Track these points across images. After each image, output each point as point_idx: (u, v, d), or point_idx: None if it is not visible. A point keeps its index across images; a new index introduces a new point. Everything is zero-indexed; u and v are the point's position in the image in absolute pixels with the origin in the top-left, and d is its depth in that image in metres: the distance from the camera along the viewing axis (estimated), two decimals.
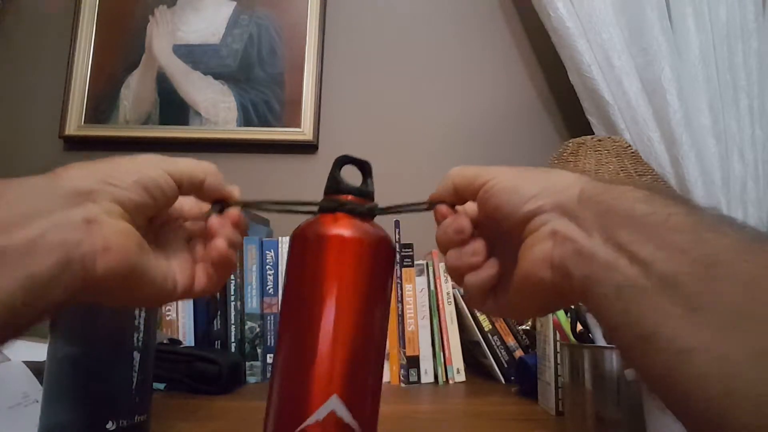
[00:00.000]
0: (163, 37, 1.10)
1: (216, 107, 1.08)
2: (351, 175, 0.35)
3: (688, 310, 0.20)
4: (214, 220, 0.32)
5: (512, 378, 0.75)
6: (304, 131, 1.06)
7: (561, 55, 0.97)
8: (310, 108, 1.07)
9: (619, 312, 0.22)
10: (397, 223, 0.82)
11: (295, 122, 1.06)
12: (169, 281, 0.29)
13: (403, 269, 0.81)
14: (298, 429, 0.28)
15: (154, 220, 0.31)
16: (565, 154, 0.83)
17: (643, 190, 0.25)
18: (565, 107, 1.08)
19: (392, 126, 1.09)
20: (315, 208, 0.34)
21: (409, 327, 0.79)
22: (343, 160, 0.35)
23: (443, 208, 0.33)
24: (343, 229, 0.32)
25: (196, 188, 0.31)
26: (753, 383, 0.18)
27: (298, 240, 0.33)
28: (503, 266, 0.31)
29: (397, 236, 0.82)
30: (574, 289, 0.25)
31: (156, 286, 0.28)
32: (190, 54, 1.09)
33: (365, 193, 0.35)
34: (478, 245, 0.31)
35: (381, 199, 0.35)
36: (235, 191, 0.33)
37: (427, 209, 0.34)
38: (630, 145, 0.83)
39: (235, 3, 1.12)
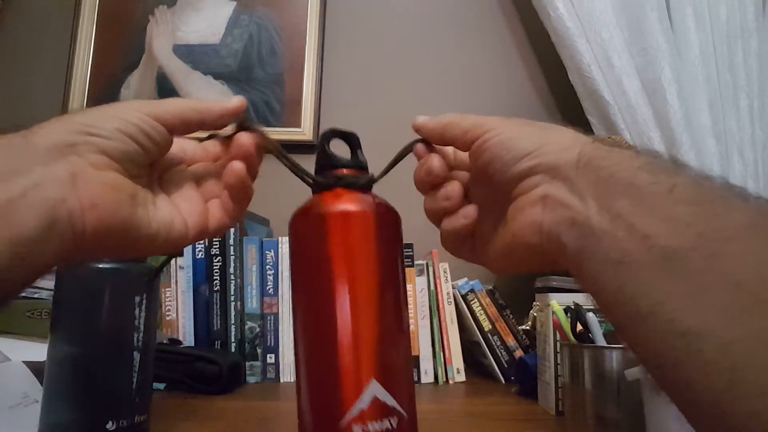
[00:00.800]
0: (163, 37, 1.10)
1: None
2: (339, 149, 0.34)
3: (691, 290, 0.18)
4: (243, 136, 0.29)
5: (512, 378, 0.75)
6: (304, 131, 1.06)
7: (561, 55, 0.97)
8: (310, 108, 1.07)
9: (614, 287, 0.21)
10: None
11: (295, 122, 1.06)
12: (176, 227, 0.27)
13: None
14: (343, 422, 0.27)
15: (156, 165, 0.29)
16: None
17: (646, 156, 0.23)
18: (565, 107, 1.07)
19: (392, 126, 1.08)
20: (313, 181, 0.32)
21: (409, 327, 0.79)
22: (330, 135, 0.34)
23: (420, 147, 0.32)
24: (346, 204, 0.30)
25: (194, 128, 0.28)
26: (765, 372, 0.16)
27: (300, 222, 0.31)
28: (486, 217, 0.30)
29: None
30: (566, 259, 0.23)
31: (160, 236, 0.26)
32: (190, 54, 1.09)
33: (359, 164, 0.33)
34: (451, 189, 0.30)
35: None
36: (235, 103, 0.30)
37: (410, 147, 0.33)
38: (630, 145, 0.83)
39: (235, 3, 1.12)
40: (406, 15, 1.13)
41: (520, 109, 1.09)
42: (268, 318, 0.78)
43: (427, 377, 0.78)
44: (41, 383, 0.41)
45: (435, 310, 0.80)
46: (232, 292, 0.78)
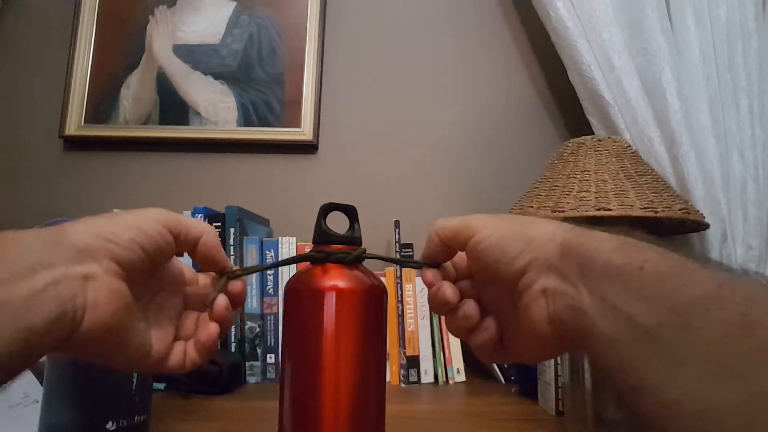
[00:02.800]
0: (163, 37, 1.10)
1: (216, 107, 1.08)
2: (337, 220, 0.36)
3: (670, 363, 0.20)
4: (221, 301, 0.32)
5: (512, 378, 0.76)
6: (304, 131, 1.06)
7: (561, 55, 0.97)
8: (310, 108, 1.07)
9: (611, 364, 0.23)
10: (396, 223, 0.82)
11: (295, 122, 1.06)
12: (144, 347, 0.29)
13: (403, 269, 0.81)
14: None
15: (152, 282, 0.31)
16: (565, 154, 0.83)
17: (617, 237, 0.25)
18: (565, 107, 1.08)
19: (392, 126, 1.09)
20: (307, 255, 0.35)
21: (409, 327, 0.79)
22: (328, 208, 0.36)
23: (429, 275, 0.33)
24: (333, 280, 0.33)
25: (191, 245, 0.31)
26: None
27: (291, 293, 0.34)
28: (503, 318, 0.32)
29: (397, 236, 0.82)
30: (573, 340, 0.26)
31: (133, 349, 0.28)
32: (190, 54, 1.09)
33: (352, 239, 0.36)
34: (468, 309, 0.32)
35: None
36: (228, 261, 0.33)
37: (417, 266, 0.34)
38: (630, 145, 0.83)
39: (235, 3, 1.12)
40: (406, 15, 1.13)
41: (520, 109, 1.09)
42: (268, 318, 0.78)
43: (427, 377, 0.78)
44: (41, 383, 0.41)
45: None
46: None
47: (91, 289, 0.25)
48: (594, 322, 0.24)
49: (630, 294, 0.22)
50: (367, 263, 0.37)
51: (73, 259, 0.25)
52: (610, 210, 0.70)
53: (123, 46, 1.10)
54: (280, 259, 0.80)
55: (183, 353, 0.31)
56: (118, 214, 0.28)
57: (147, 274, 0.29)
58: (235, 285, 0.32)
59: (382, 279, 0.78)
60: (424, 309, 0.80)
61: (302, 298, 0.33)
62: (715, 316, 0.19)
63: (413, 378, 0.77)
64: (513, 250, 0.29)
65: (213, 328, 0.31)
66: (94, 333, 0.25)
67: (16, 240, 0.24)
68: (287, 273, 0.79)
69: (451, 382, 0.77)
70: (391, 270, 0.81)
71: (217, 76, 1.09)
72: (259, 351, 0.77)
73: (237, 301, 0.33)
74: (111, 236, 0.27)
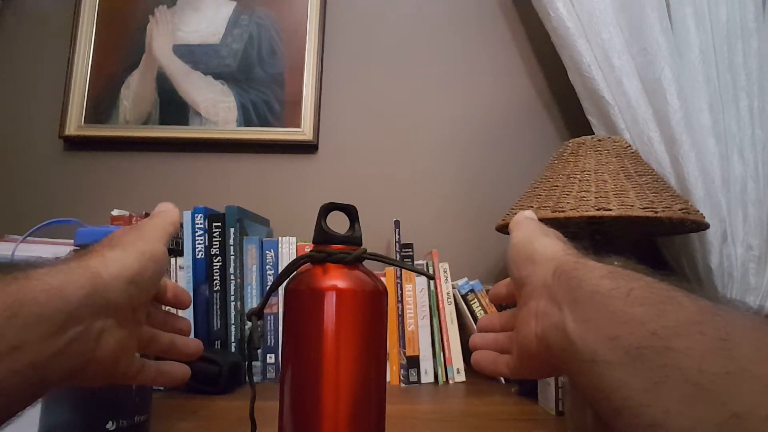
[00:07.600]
0: (163, 37, 1.10)
1: (216, 107, 1.08)
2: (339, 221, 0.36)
3: (651, 383, 0.20)
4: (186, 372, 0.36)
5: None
6: (304, 131, 1.06)
7: (561, 55, 0.97)
8: (310, 108, 1.07)
9: (592, 385, 0.23)
10: (396, 223, 0.82)
11: (295, 122, 1.06)
12: (131, 370, 0.30)
13: (403, 269, 0.81)
14: None
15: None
16: (565, 154, 0.83)
17: (609, 266, 0.26)
18: (565, 107, 1.08)
19: (392, 126, 1.09)
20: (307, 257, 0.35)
21: (409, 327, 0.79)
22: (328, 208, 0.36)
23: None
24: (333, 280, 0.33)
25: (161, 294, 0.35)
26: None
27: (291, 293, 0.35)
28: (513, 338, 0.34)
29: (397, 236, 0.82)
30: (556, 361, 0.27)
31: (119, 376, 0.29)
32: (190, 54, 1.09)
33: (352, 240, 0.36)
34: (500, 369, 0.35)
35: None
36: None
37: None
38: (630, 145, 0.83)
39: (235, 3, 1.12)
40: (406, 15, 1.13)
41: (520, 109, 1.09)
42: (268, 318, 0.78)
43: (427, 377, 0.78)
44: None
45: (435, 310, 0.80)
46: (232, 292, 0.78)
47: (101, 343, 0.26)
48: (575, 343, 0.24)
49: (614, 317, 0.23)
50: (367, 263, 0.37)
51: (100, 312, 0.26)
52: (610, 210, 0.70)
53: (123, 45, 1.10)
54: (279, 259, 0.80)
55: (134, 361, 0.31)
56: (139, 240, 0.30)
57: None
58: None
59: (382, 279, 0.78)
60: (424, 309, 0.80)
61: (302, 298, 0.33)
62: (696, 339, 0.20)
63: (413, 378, 0.77)
64: (525, 255, 0.31)
65: (187, 373, 0.35)
66: (89, 376, 0.26)
67: (60, 292, 0.24)
68: None
69: (451, 382, 0.77)
70: (391, 270, 0.81)
71: (217, 76, 1.09)
72: (259, 351, 0.77)
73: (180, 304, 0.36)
74: (138, 279, 0.28)
